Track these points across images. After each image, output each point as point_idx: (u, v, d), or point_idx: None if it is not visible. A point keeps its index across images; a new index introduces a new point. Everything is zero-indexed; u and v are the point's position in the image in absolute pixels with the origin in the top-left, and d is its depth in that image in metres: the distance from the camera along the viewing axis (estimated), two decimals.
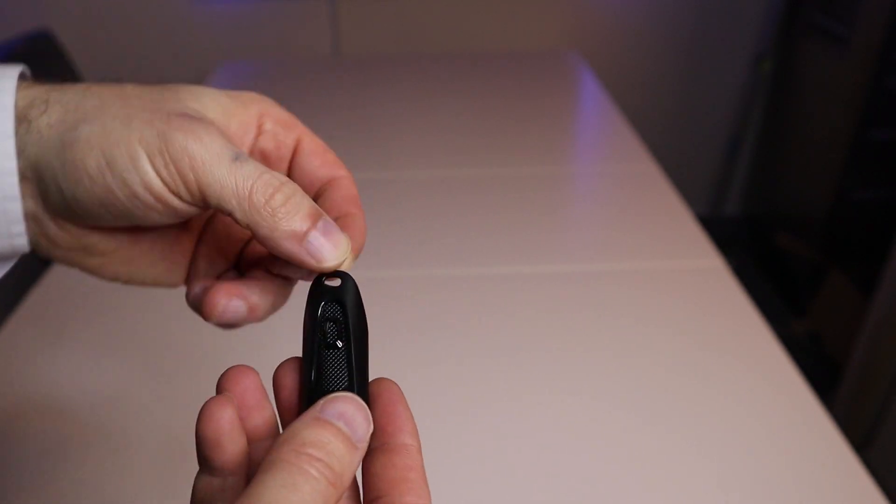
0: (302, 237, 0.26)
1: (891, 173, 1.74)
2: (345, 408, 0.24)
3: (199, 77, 2.03)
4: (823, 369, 1.74)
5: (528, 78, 1.51)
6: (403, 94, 1.41)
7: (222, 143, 0.26)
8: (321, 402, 0.24)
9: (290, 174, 0.31)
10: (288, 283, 0.30)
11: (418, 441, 0.26)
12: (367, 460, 0.26)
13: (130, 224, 0.27)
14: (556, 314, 0.73)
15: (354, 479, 0.26)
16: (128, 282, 0.31)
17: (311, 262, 0.26)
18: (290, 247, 0.26)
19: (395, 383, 0.27)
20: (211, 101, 0.28)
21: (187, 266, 0.32)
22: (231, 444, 0.25)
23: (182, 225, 0.31)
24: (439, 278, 0.79)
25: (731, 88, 2.20)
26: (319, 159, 0.31)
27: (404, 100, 1.38)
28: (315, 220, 0.26)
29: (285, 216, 0.26)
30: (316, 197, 0.30)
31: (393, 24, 2.04)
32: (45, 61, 1.48)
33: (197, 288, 0.30)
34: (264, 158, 0.30)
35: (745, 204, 2.39)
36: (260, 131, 0.30)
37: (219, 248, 0.32)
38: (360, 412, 0.24)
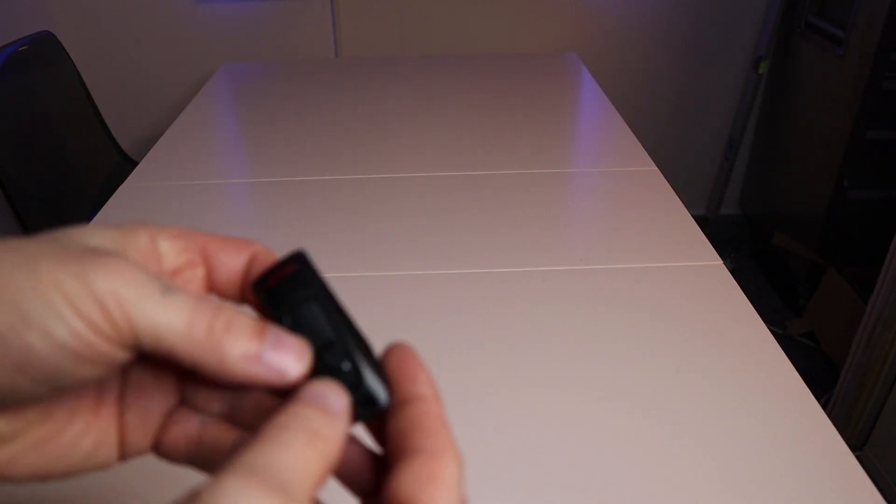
0: (255, 357, 0.23)
1: (887, 173, 1.75)
2: (316, 388, 0.24)
3: (202, 78, 2.04)
4: (820, 369, 1.75)
5: (527, 79, 1.52)
6: (404, 96, 1.42)
7: (146, 276, 0.23)
8: (297, 391, 0.24)
9: (211, 282, 0.28)
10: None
11: (434, 389, 0.25)
12: (385, 423, 0.25)
13: (52, 388, 0.23)
14: (555, 314, 0.73)
15: (364, 451, 0.26)
16: (47, 476, 0.25)
17: (275, 378, 0.24)
18: (245, 370, 0.23)
19: (406, 343, 0.26)
20: (103, 237, 0.25)
21: (117, 435, 0.27)
22: None
23: (100, 383, 0.27)
24: (439, 278, 0.80)
25: (730, 89, 2.21)
26: (231, 252, 0.27)
27: (405, 101, 1.39)
28: (262, 334, 0.24)
29: (231, 342, 0.23)
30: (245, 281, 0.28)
31: (394, 25, 2.04)
32: (48, 62, 1.48)
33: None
34: (178, 279, 0.27)
35: (743, 204, 2.39)
36: (159, 254, 0.27)
37: (151, 388, 0.28)
38: (330, 388, 0.24)
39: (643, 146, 1.15)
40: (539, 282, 0.79)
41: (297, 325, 0.25)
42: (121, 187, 1.04)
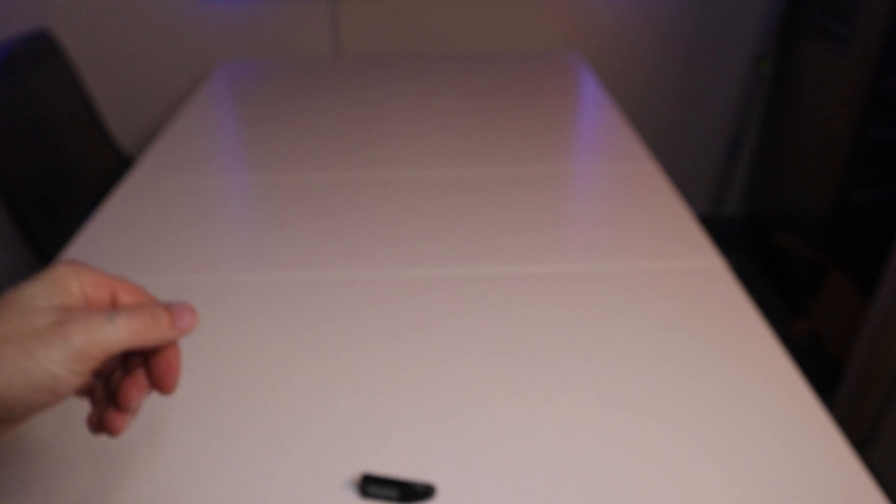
0: (173, 323, 0.38)
1: (891, 173, 1.74)
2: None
3: (200, 76, 2.03)
4: (823, 369, 1.74)
5: (528, 77, 1.51)
6: (403, 94, 1.41)
7: (96, 318, 0.35)
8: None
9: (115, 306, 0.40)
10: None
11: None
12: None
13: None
14: (556, 314, 0.73)
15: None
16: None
17: (189, 329, 0.39)
18: (180, 333, 0.39)
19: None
20: (43, 294, 0.35)
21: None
22: None
23: None
24: (438, 278, 0.79)
25: (732, 88, 2.20)
26: (129, 292, 0.40)
27: (404, 99, 1.38)
28: (172, 311, 0.39)
29: (177, 320, 0.38)
30: (114, 303, 0.39)
31: (393, 23, 2.04)
32: (44, 61, 1.47)
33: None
34: (95, 305, 0.39)
35: (745, 204, 2.38)
36: (84, 291, 0.38)
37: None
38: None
39: (644, 145, 1.14)
40: (538, 282, 0.78)
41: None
42: (119, 187, 1.03)
